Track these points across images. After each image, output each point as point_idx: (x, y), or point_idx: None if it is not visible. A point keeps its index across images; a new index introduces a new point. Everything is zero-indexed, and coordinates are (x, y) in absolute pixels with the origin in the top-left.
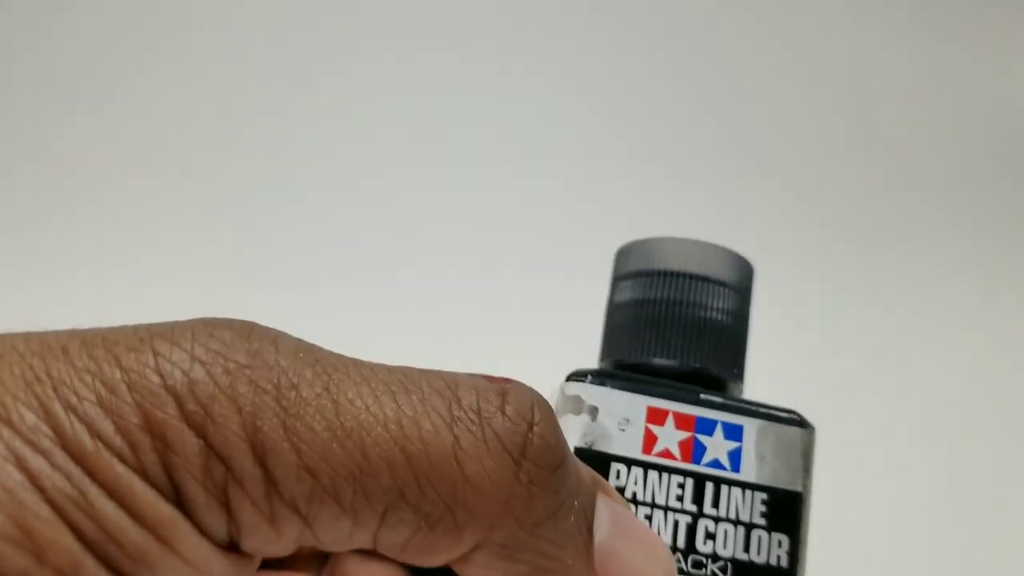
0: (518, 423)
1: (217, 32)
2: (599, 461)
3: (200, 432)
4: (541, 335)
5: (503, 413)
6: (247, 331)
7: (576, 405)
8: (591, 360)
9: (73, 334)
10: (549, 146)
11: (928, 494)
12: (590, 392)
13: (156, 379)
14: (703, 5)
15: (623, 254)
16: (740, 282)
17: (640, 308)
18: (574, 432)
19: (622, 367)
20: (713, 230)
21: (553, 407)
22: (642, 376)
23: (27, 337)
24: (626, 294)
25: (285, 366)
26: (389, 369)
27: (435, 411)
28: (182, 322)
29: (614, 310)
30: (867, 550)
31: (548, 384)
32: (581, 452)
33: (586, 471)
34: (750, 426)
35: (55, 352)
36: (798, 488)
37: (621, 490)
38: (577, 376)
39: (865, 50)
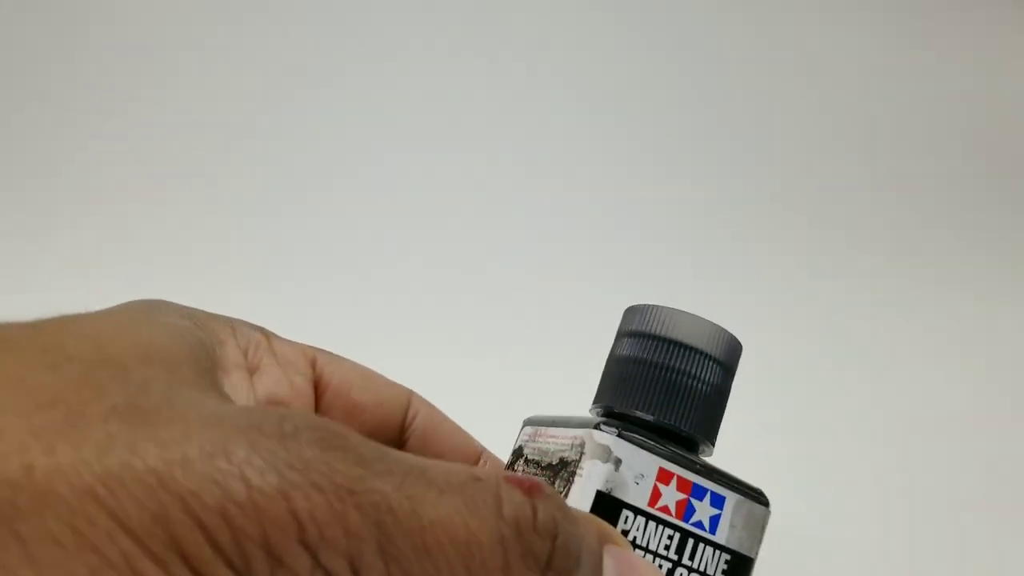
0: (545, 540)
1: (211, 31)
2: (615, 505)
3: (313, 552)
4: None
5: (535, 529)
6: (342, 445)
7: (605, 454)
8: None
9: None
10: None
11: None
12: (619, 446)
13: (283, 505)
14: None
15: (630, 313)
16: (726, 359)
17: (635, 365)
18: (599, 476)
19: (611, 414)
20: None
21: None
22: (658, 439)
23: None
24: (625, 350)
25: (383, 490)
26: (438, 467)
27: (487, 524)
28: (290, 437)
29: (613, 361)
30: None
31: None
32: (601, 495)
33: (592, 528)
34: (731, 498)
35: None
36: (753, 555)
37: (626, 532)
38: (607, 426)
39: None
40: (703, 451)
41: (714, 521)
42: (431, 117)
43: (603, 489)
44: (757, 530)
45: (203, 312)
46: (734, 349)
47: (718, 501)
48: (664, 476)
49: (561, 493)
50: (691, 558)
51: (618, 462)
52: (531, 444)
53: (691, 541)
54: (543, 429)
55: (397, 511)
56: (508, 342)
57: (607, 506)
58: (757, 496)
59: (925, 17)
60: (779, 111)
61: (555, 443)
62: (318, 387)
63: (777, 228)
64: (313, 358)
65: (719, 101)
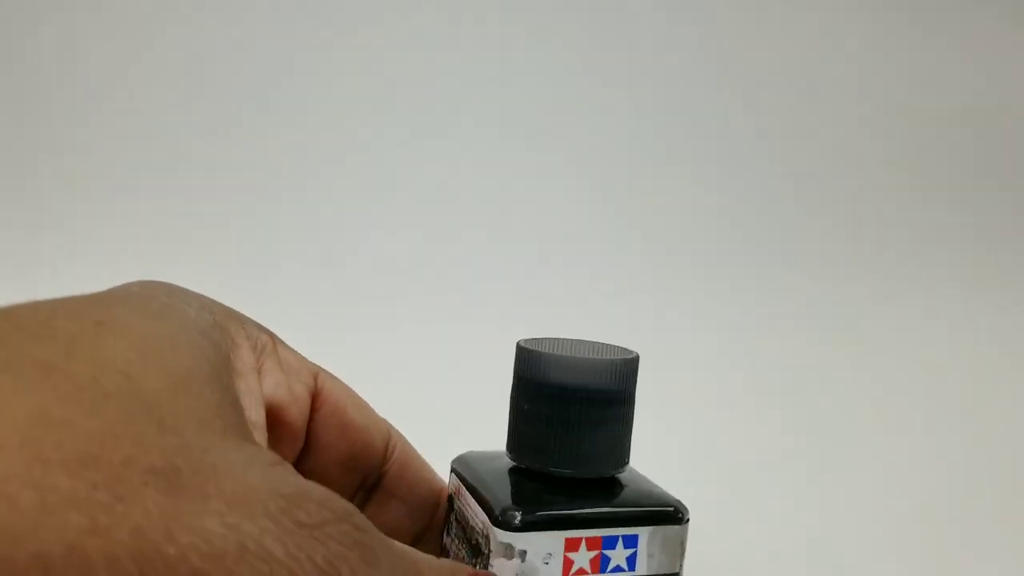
0: None
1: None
2: None
3: None
4: None
5: None
6: (361, 542)
7: (508, 551)
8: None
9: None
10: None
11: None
12: (519, 539)
13: None
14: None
15: (519, 355)
16: (619, 386)
17: (531, 417)
18: (508, 572)
19: (531, 475)
20: None
21: None
22: (565, 498)
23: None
24: (520, 400)
25: None
26: (428, 566)
27: None
28: (318, 528)
29: (513, 411)
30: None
31: None
32: None
33: None
34: (643, 533)
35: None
36: (676, 570)
37: None
38: (505, 525)
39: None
40: (622, 472)
41: (631, 560)
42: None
43: None
44: (676, 548)
45: (219, 307)
46: (626, 372)
47: (631, 541)
48: (571, 545)
49: None
50: None
51: (523, 553)
52: (458, 501)
53: None
54: (463, 490)
55: None
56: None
57: None
58: (671, 516)
59: (928, 16)
60: (773, 110)
61: (472, 516)
62: (316, 399)
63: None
64: (316, 371)
65: (717, 97)
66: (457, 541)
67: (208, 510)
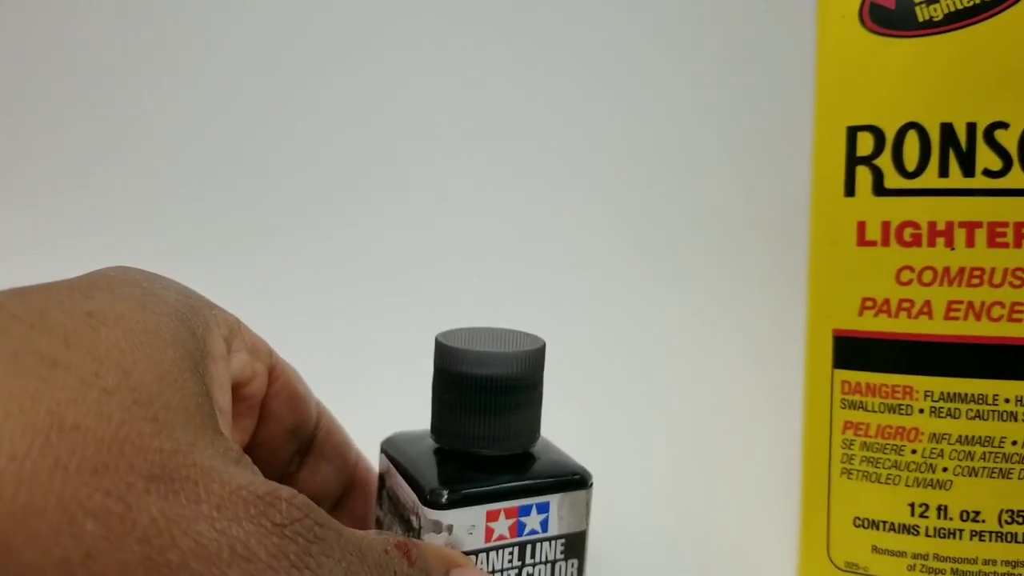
0: None
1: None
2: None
3: None
4: None
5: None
6: (322, 537)
7: (436, 527)
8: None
9: None
10: None
11: None
12: (445, 516)
13: None
14: None
15: (439, 350)
16: (528, 372)
17: (449, 405)
18: (438, 544)
19: (454, 454)
20: None
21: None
22: (480, 490)
23: None
24: (444, 390)
25: (335, 571)
26: (367, 544)
27: None
28: (288, 527)
29: (438, 400)
30: None
31: None
32: None
33: (439, 561)
34: (553, 500)
35: None
36: (584, 527)
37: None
38: (433, 504)
39: None
40: (535, 446)
41: (544, 523)
42: None
43: None
44: (582, 509)
45: (191, 292)
46: (534, 360)
47: (543, 507)
48: (492, 516)
49: None
50: (532, 557)
51: (450, 528)
52: (389, 480)
53: (529, 547)
54: (393, 470)
55: None
56: None
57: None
58: (577, 483)
59: None
60: None
61: (403, 494)
62: (271, 374)
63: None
64: (270, 350)
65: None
66: (390, 516)
67: (200, 515)
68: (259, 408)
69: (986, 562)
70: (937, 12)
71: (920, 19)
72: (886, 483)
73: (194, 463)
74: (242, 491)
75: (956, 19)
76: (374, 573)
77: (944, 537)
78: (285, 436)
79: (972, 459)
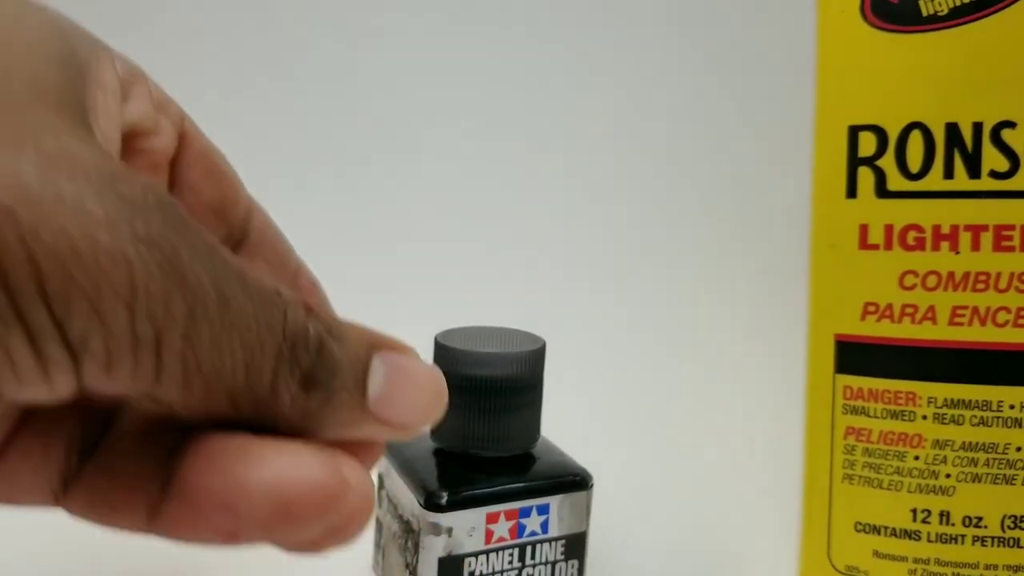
0: (309, 353)
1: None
2: (458, 561)
3: (132, 317)
4: None
5: (305, 345)
6: (188, 231)
7: (436, 529)
8: None
9: None
10: None
11: None
12: (445, 518)
13: (124, 272)
14: None
15: (437, 351)
16: (528, 373)
17: (456, 409)
18: (437, 548)
19: (453, 455)
20: None
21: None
22: (480, 492)
23: None
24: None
25: (205, 286)
26: (254, 277)
27: (273, 335)
28: (146, 209)
29: None
30: None
31: None
32: (443, 560)
33: (361, 341)
34: (554, 501)
35: None
36: (584, 528)
37: (472, 573)
38: (433, 506)
39: None
40: (534, 446)
41: (544, 524)
42: None
43: (444, 555)
44: (583, 510)
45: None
46: (534, 361)
47: (543, 509)
48: (492, 518)
49: (413, 557)
50: (532, 558)
51: (450, 530)
52: (388, 480)
53: (529, 548)
54: (392, 472)
55: (210, 308)
56: None
57: (451, 564)
58: (577, 483)
59: None
60: None
61: (403, 496)
62: (182, 140)
63: None
64: (183, 115)
65: None
66: (389, 516)
67: (24, 158)
68: (167, 172)
69: (988, 567)
70: (942, 7)
71: (924, 14)
72: (888, 489)
73: (24, 119)
74: (85, 160)
75: (961, 14)
76: (255, 302)
77: (946, 542)
78: (208, 213)
79: (975, 465)
